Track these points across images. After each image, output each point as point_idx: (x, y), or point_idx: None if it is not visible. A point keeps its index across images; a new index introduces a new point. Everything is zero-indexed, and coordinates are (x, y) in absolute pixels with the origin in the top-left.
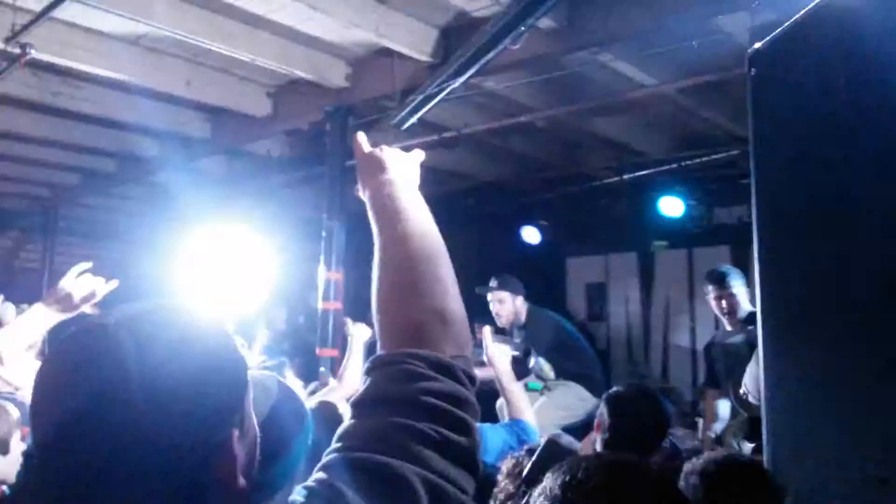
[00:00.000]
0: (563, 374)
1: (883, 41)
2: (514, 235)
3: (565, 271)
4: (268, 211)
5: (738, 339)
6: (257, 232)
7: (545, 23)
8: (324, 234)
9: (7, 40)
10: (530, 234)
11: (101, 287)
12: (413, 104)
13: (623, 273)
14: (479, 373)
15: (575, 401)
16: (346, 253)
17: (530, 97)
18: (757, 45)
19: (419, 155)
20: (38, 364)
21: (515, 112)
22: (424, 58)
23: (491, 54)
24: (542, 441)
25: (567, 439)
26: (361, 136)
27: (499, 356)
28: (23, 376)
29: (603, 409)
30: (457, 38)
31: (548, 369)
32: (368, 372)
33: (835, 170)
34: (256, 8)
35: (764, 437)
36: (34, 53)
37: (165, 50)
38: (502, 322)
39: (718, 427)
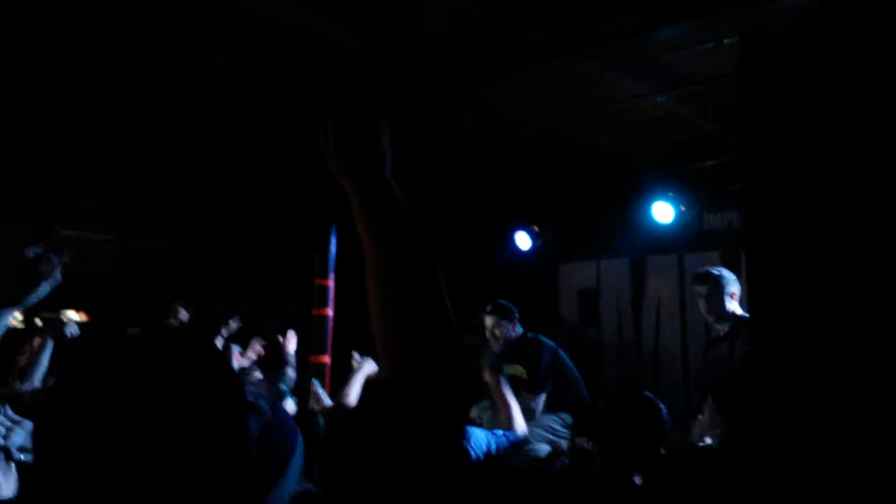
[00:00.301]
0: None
1: (875, 48)
2: (506, 241)
3: (557, 277)
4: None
5: (723, 349)
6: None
7: (536, 33)
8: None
9: None
10: (522, 241)
11: None
12: None
13: (615, 279)
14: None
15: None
16: (336, 259)
17: (520, 105)
18: (747, 50)
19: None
20: None
21: (506, 120)
22: None
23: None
24: None
25: None
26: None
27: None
28: None
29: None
30: None
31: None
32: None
33: (826, 176)
34: None
35: (755, 433)
36: None
37: None
38: (496, 346)
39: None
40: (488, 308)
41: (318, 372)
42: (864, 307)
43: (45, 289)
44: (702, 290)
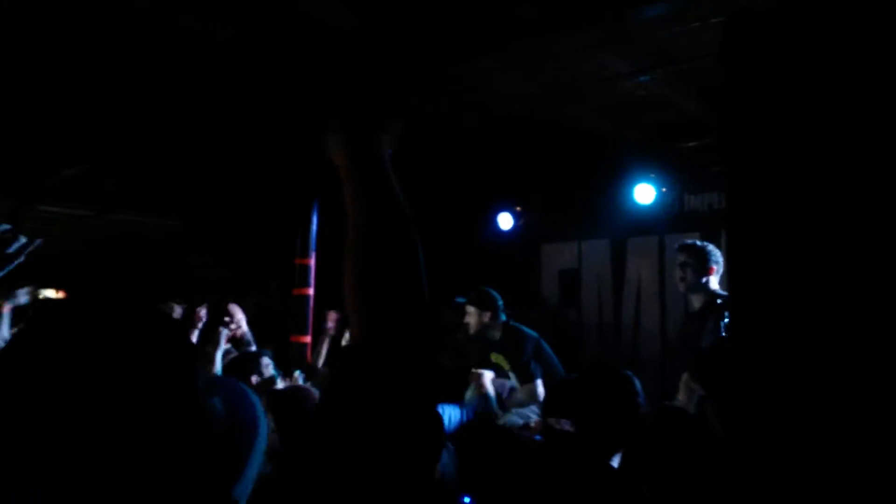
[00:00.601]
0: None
1: (861, 28)
2: (488, 221)
3: (539, 257)
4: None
5: (693, 329)
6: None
7: (521, 7)
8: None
9: None
10: (504, 221)
11: None
12: None
13: (596, 260)
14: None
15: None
16: (317, 239)
17: (504, 80)
18: (731, 28)
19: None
20: None
21: (490, 97)
22: None
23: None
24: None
25: None
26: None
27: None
28: None
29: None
30: None
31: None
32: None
33: (809, 158)
34: None
35: (731, 419)
36: None
37: None
38: (471, 332)
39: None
40: (471, 296)
41: (300, 352)
42: (847, 290)
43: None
44: (683, 258)
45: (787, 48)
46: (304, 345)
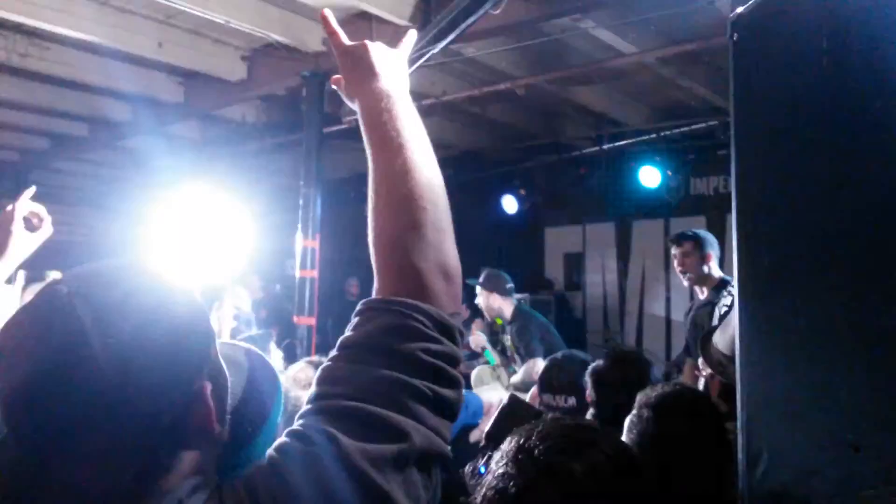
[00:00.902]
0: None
1: (871, 8)
2: (493, 204)
3: (544, 241)
4: (243, 178)
5: (706, 310)
6: (232, 199)
7: None
8: (301, 201)
9: None
10: (509, 204)
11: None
12: None
13: (600, 243)
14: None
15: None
16: (322, 220)
17: (510, 65)
18: (739, 9)
19: (409, 42)
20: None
21: (495, 80)
22: (403, 22)
23: (471, 19)
24: (505, 399)
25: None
26: (330, 16)
27: None
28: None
29: (588, 384)
30: (437, 2)
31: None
32: (363, 313)
33: (817, 141)
34: None
35: (738, 401)
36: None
37: (136, 11)
38: (485, 314)
39: None
40: (480, 279)
41: (305, 333)
42: (855, 272)
43: None
44: (680, 251)
45: (797, 28)
46: (310, 327)
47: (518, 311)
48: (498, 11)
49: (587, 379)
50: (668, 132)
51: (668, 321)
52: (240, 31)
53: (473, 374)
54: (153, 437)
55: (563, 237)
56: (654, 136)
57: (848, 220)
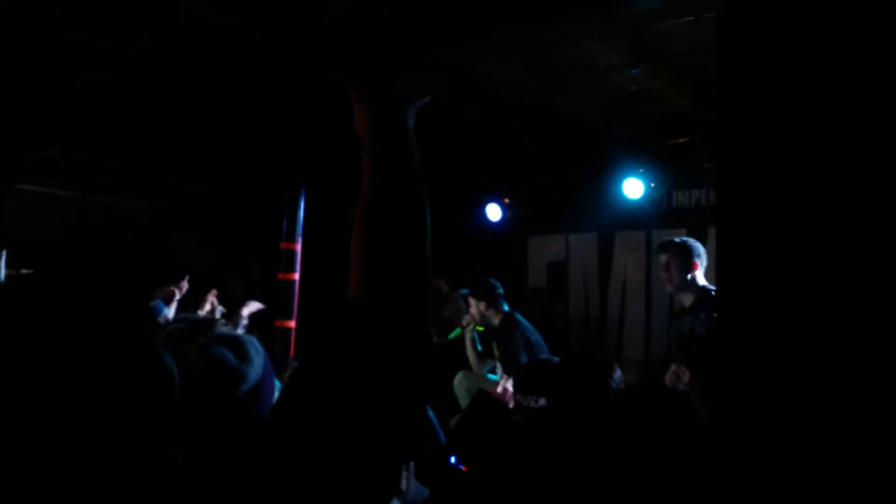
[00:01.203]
0: None
1: (857, 19)
2: (476, 212)
3: (527, 250)
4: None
5: (687, 322)
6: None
7: None
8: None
9: None
10: (493, 212)
11: None
12: None
13: (583, 253)
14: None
15: None
16: (304, 223)
17: (493, 68)
18: (724, 23)
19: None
20: None
21: (479, 86)
22: None
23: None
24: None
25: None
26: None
27: None
28: None
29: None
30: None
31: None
32: None
33: (802, 154)
34: None
35: (718, 414)
36: None
37: None
38: (476, 321)
39: None
40: (471, 288)
41: (284, 336)
42: (837, 285)
43: None
44: (665, 258)
45: (782, 41)
46: (289, 330)
47: (504, 319)
48: None
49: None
50: (650, 144)
51: (648, 330)
52: None
53: (456, 379)
54: None
55: (546, 246)
56: (637, 148)
57: (836, 234)
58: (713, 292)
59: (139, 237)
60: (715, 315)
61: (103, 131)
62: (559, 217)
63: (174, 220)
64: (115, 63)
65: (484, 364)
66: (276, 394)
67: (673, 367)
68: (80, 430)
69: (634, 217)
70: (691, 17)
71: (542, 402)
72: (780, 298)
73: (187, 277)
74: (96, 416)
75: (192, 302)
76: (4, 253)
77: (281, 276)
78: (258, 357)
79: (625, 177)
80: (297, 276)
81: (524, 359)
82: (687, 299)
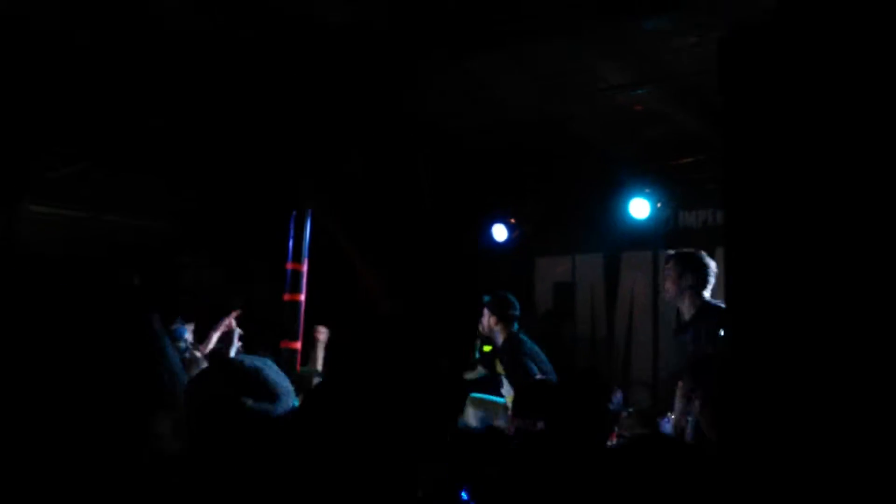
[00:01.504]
0: None
1: (858, 40)
2: (483, 232)
3: (534, 270)
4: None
5: (688, 337)
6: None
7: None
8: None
9: None
10: (499, 232)
11: None
12: None
13: (590, 273)
14: None
15: None
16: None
17: (500, 86)
18: (727, 46)
19: None
20: None
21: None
22: None
23: None
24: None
25: None
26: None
27: None
28: None
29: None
30: None
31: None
32: None
33: (809, 174)
34: None
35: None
36: None
37: None
38: (483, 332)
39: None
40: (490, 299)
41: (290, 358)
42: (846, 305)
43: None
44: (672, 269)
45: (784, 62)
46: (295, 351)
47: (510, 338)
48: None
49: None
50: (656, 164)
51: (656, 351)
52: None
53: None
54: None
55: (552, 267)
56: (643, 168)
57: (846, 252)
58: (714, 307)
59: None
60: (720, 332)
61: (113, 151)
62: (565, 237)
63: (182, 240)
64: (126, 83)
65: (474, 371)
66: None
67: (680, 384)
68: (79, 423)
69: (641, 237)
70: (696, 38)
71: (541, 425)
72: (791, 318)
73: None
74: (98, 409)
75: (205, 324)
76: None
77: (287, 296)
78: (283, 386)
79: (631, 197)
80: (303, 297)
81: (533, 369)
82: (686, 311)
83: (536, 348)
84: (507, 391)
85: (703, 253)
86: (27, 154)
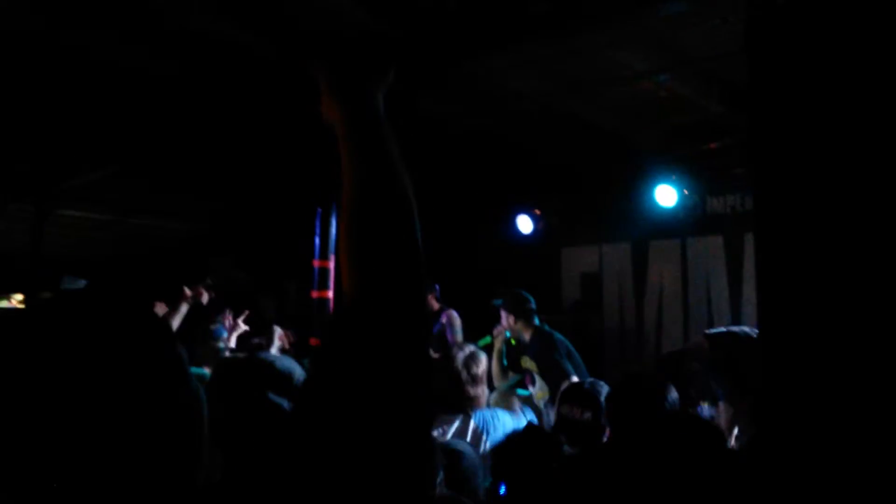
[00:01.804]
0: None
1: (886, 15)
2: (507, 224)
3: (560, 261)
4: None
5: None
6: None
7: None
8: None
9: None
10: (524, 224)
11: None
12: None
13: (617, 263)
14: None
15: None
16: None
17: (521, 79)
18: (753, 25)
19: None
20: None
21: (509, 97)
22: None
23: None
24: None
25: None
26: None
27: None
28: None
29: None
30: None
31: (540, 395)
32: None
33: (838, 153)
34: None
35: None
36: None
37: None
38: (512, 333)
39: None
40: (503, 301)
41: None
42: (878, 287)
43: None
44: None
45: (811, 40)
46: None
47: (537, 333)
48: None
49: (605, 402)
50: (683, 151)
51: (687, 340)
52: None
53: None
54: None
55: (579, 257)
56: (669, 155)
57: (876, 234)
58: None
59: (180, 259)
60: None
61: (139, 155)
62: (591, 227)
63: (209, 240)
64: (149, 87)
65: (506, 378)
66: None
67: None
68: (101, 454)
69: (668, 225)
70: (719, 21)
71: (588, 415)
72: (825, 302)
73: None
74: (119, 440)
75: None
76: None
77: (315, 293)
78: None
79: (657, 184)
80: (331, 293)
81: (569, 367)
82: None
83: (567, 342)
84: (540, 387)
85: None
86: (55, 159)
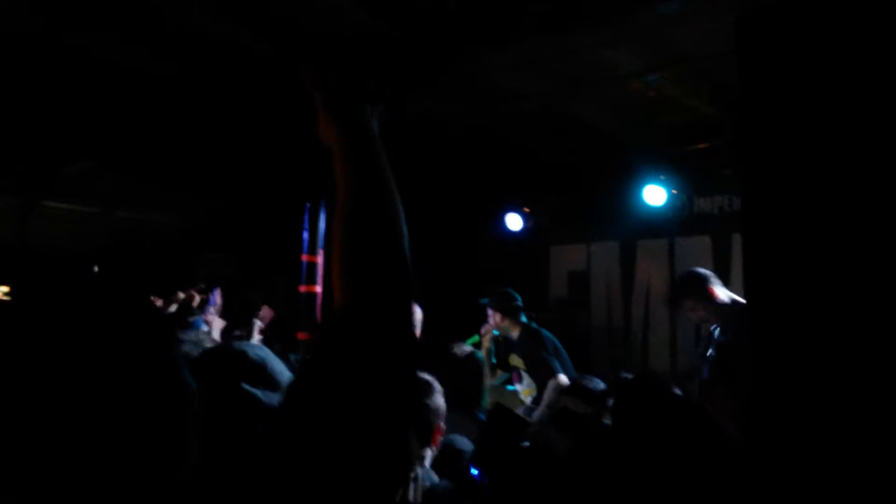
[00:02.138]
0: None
1: (875, 17)
2: (497, 222)
3: (548, 259)
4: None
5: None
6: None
7: (533, 3)
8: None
9: None
10: (513, 221)
11: None
12: None
13: (605, 262)
14: None
15: None
16: (325, 236)
17: (513, 78)
18: (743, 27)
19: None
20: None
21: (499, 96)
22: None
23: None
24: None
25: None
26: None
27: None
28: None
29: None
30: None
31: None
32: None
33: (827, 155)
34: None
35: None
36: None
37: None
38: (500, 332)
39: None
40: (490, 299)
41: (308, 349)
42: (866, 289)
43: None
44: (689, 306)
45: (802, 40)
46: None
47: (525, 330)
48: None
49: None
50: (671, 151)
51: (673, 341)
52: None
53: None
54: None
55: (567, 255)
56: (658, 155)
57: (864, 235)
58: (729, 305)
59: (166, 253)
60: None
61: (126, 148)
62: (580, 225)
63: (197, 234)
64: (137, 80)
65: (495, 376)
66: None
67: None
68: (95, 447)
69: (656, 224)
70: (710, 22)
71: (589, 409)
72: (813, 303)
73: (218, 290)
74: (111, 433)
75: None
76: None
77: (303, 288)
78: (284, 376)
79: (645, 184)
80: (319, 288)
81: (556, 364)
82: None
83: (555, 340)
84: (527, 384)
85: (683, 274)
86: (41, 151)
